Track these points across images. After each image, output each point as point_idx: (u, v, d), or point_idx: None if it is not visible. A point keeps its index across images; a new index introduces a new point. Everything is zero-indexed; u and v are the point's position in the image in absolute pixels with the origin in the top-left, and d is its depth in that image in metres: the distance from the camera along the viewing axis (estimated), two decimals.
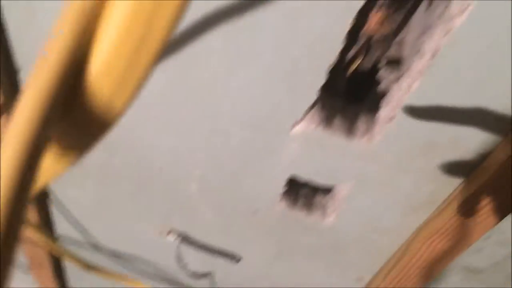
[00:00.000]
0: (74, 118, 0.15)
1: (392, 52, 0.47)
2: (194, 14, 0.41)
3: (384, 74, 0.47)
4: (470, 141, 0.46)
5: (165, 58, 0.46)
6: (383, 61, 0.48)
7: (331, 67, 0.44)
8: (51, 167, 0.17)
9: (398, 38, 0.46)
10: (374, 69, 0.49)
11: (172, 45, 0.44)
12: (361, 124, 0.50)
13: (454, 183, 0.52)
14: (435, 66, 0.41)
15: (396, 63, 0.47)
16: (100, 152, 0.61)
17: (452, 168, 0.50)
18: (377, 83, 0.49)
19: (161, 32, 0.14)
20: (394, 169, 0.52)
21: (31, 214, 0.74)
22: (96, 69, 0.14)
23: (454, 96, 0.43)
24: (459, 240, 0.55)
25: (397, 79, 0.45)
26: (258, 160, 0.55)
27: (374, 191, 0.56)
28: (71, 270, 0.97)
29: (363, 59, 0.49)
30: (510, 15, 0.36)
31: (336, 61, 0.44)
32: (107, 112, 0.15)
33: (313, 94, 0.47)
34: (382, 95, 0.47)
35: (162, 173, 0.61)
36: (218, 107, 0.51)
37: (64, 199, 0.74)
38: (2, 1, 0.45)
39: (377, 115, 0.49)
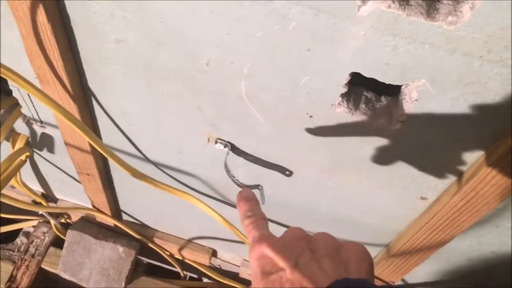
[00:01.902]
0: None
1: None
2: None
3: None
4: None
5: None
6: None
7: None
8: None
9: None
10: None
11: None
12: (445, 1, 0.41)
13: None
14: None
15: None
16: (144, 47, 0.57)
17: None
18: None
19: None
20: (481, 61, 0.43)
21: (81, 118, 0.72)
22: None
23: None
24: None
25: None
26: (317, 51, 0.48)
27: (453, 91, 0.48)
28: (119, 181, 0.98)
29: None
30: None
31: None
32: None
33: None
34: None
35: (209, 68, 0.56)
36: None
37: (108, 106, 0.72)
38: None
39: None
